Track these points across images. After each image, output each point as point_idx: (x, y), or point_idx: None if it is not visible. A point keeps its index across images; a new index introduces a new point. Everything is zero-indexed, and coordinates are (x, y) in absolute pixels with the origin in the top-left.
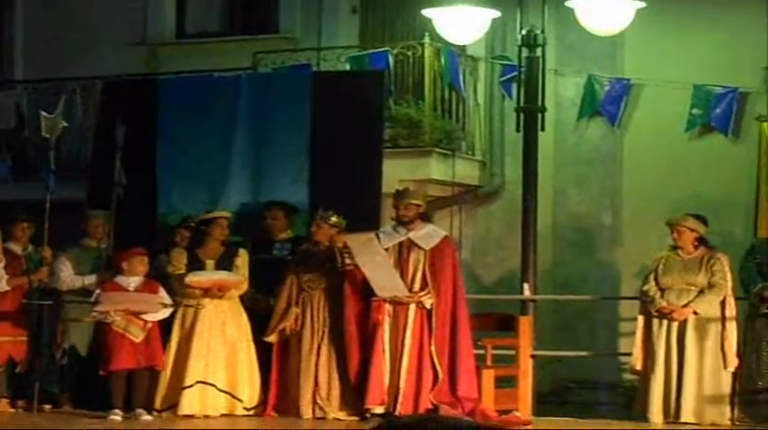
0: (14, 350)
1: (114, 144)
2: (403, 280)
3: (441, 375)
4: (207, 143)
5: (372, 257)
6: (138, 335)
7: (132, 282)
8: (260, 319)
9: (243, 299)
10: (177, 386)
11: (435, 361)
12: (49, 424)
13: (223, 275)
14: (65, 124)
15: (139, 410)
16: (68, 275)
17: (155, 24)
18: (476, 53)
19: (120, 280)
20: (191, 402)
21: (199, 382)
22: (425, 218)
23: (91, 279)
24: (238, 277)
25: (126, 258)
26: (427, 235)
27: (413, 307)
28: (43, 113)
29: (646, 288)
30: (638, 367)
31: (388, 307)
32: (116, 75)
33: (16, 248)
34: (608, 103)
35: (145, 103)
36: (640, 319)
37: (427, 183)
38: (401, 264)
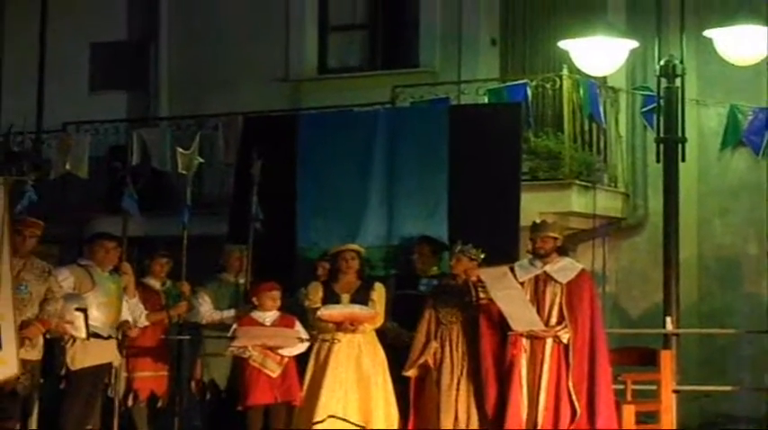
0: (156, 385)
1: (252, 179)
2: (539, 314)
3: (579, 410)
4: (345, 177)
5: (507, 291)
6: (274, 370)
7: (268, 316)
8: (403, 355)
9: (386, 334)
10: (310, 420)
11: (573, 396)
12: None
13: (355, 309)
14: (200, 160)
15: None
16: (208, 310)
17: (297, 60)
18: (616, 84)
19: (256, 315)
20: None
21: (330, 417)
22: (562, 251)
23: (230, 313)
24: (371, 311)
25: (256, 293)
26: (564, 268)
27: (550, 341)
28: (180, 150)
29: None
30: None
31: (524, 342)
32: (257, 110)
33: (155, 284)
34: (751, 133)
35: (285, 139)
36: None
37: (568, 215)
38: (537, 298)
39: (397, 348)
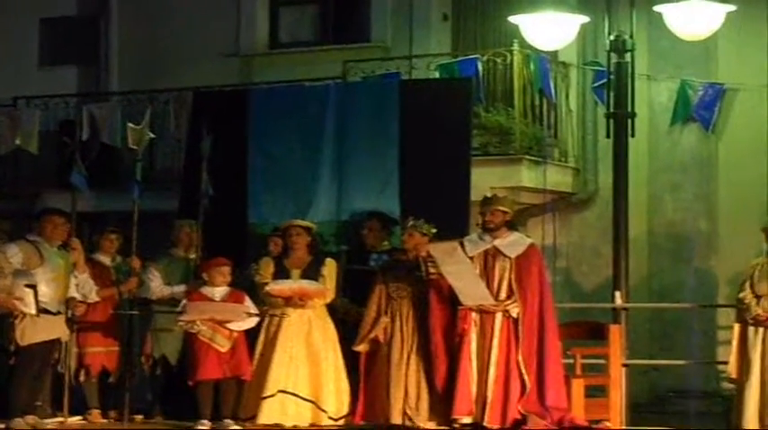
0: (107, 361)
1: (201, 155)
2: (489, 288)
3: (528, 385)
4: (296, 152)
5: (457, 266)
6: (224, 345)
7: (218, 292)
8: (353, 330)
9: (337, 309)
10: (259, 395)
11: (522, 370)
12: None
13: (304, 284)
14: (151, 135)
15: (227, 420)
16: (158, 285)
17: (248, 35)
18: (567, 59)
19: (206, 290)
20: (270, 412)
21: (280, 392)
22: (512, 225)
23: (180, 289)
24: (320, 286)
25: (206, 268)
26: (513, 243)
27: (499, 316)
28: (130, 125)
29: (741, 295)
30: (734, 375)
31: (474, 316)
32: (208, 85)
33: (105, 259)
34: (701, 108)
35: (235, 114)
36: (736, 327)
37: (519, 190)
38: (487, 273)
39: (347, 323)
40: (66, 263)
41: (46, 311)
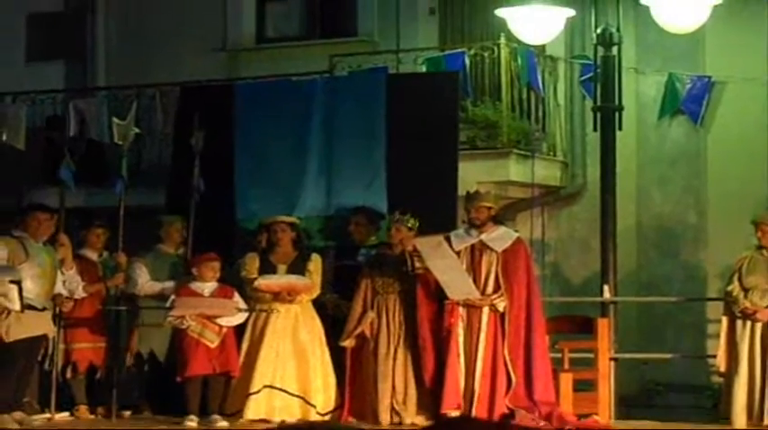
0: (94, 357)
1: (192, 150)
2: (475, 283)
3: (514, 379)
4: (283, 147)
5: (443, 260)
6: (213, 341)
7: (207, 287)
8: (342, 325)
9: (326, 304)
10: (245, 391)
11: (509, 365)
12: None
13: (292, 279)
14: (137, 130)
15: (215, 416)
16: (146, 281)
17: (235, 30)
18: (555, 53)
19: (195, 285)
20: (257, 407)
21: (267, 387)
22: (497, 220)
23: (169, 285)
24: (308, 281)
25: (195, 264)
26: (499, 237)
27: (486, 310)
28: (115, 120)
29: (729, 288)
30: (723, 369)
31: (461, 310)
32: (195, 80)
33: (92, 255)
34: (690, 102)
35: (222, 109)
36: (724, 320)
37: (506, 184)
38: (473, 267)
39: (337, 319)
40: (51, 259)
41: (31, 307)
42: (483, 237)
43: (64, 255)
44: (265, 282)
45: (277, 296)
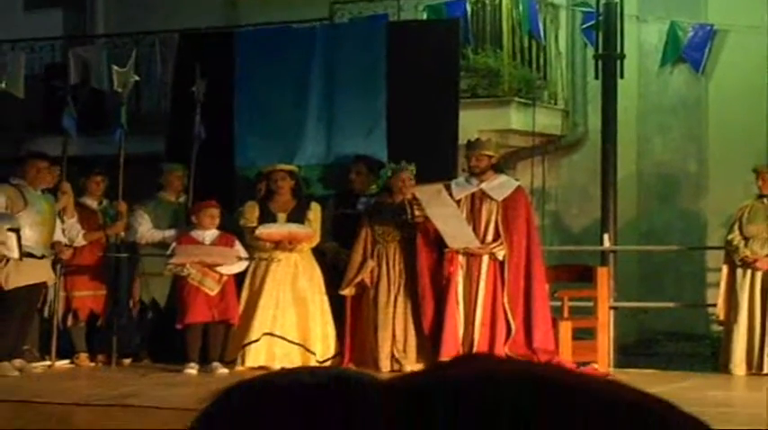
0: (95, 304)
1: (193, 98)
2: (475, 231)
3: (513, 327)
4: (283, 95)
5: (442, 209)
6: (213, 289)
7: (208, 235)
8: (341, 274)
9: (326, 252)
10: (245, 339)
11: (508, 313)
12: (126, 377)
13: (293, 228)
14: (136, 78)
15: (215, 363)
16: (147, 229)
17: None
18: (556, 0)
19: (196, 233)
20: (256, 355)
21: (266, 334)
22: (498, 168)
23: (170, 232)
24: (309, 230)
25: (195, 212)
26: (500, 185)
27: (486, 258)
28: (115, 67)
29: (730, 237)
30: (722, 318)
31: (460, 259)
32: (194, 28)
33: (91, 203)
34: (691, 50)
35: (221, 56)
36: (725, 269)
37: (507, 133)
38: (473, 216)
39: (336, 268)
40: (50, 207)
41: (30, 255)
42: (483, 185)
43: (66, 203)
44: (266, 231)
45: (278, 245)
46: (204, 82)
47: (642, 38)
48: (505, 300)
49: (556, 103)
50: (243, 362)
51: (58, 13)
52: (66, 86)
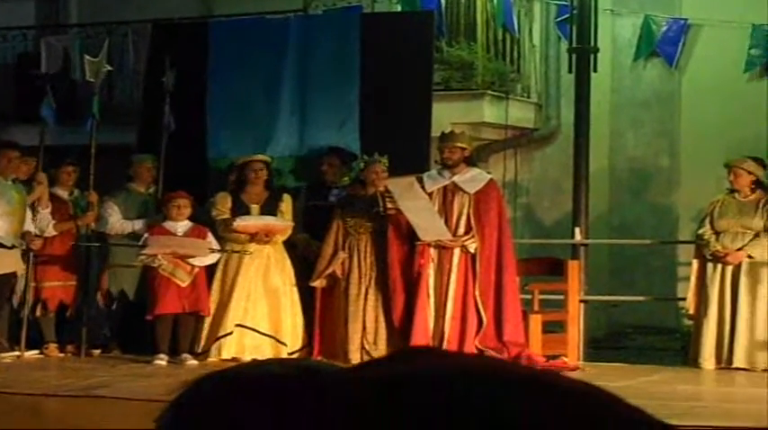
0: (64, 295)
1: (164, 88)
2: (447, 224)
3: (485, 320)
4: (256, 86)
5: (414, 201)
6: (184, 280)
7: (180, 226)
8: (312, 265)
9: (297, 244)
10: (217, 332)
11: (479, 305)
12: (96, 368)
13: (270, 221)
14: (109, 68)
15: (185, 355)
16: (117, 220)
17: None
18: None
19: (169, 224)
20: (228, 347)
21: (238, 326)
22: (471, 161)
23: (140, 224)
24: (286, 223)
25: (164, 203)
26: (472, 178)
27: (457, 251)
28: (87, 57)
29: (701, 231)
30: (693, 312)
31: (432, 251)
32: (167, 18)
33: (62, 193)
34: (665, 44)
35: (195, 47)
36: (695, 263)
37: (480, 126)
38: (445, 208)
39: (307, 259)
40: (21, 196)
41: (0, 245)
42: (455, 178)
43: (41, 193)
44: (243, 223)
45: (254, 237)
46: (174, 72)
47: (616, 32)
48: (477, 292)
49: (529, 97)
50: (219, 354)
51: (31, 2)
52: (45, 76)
